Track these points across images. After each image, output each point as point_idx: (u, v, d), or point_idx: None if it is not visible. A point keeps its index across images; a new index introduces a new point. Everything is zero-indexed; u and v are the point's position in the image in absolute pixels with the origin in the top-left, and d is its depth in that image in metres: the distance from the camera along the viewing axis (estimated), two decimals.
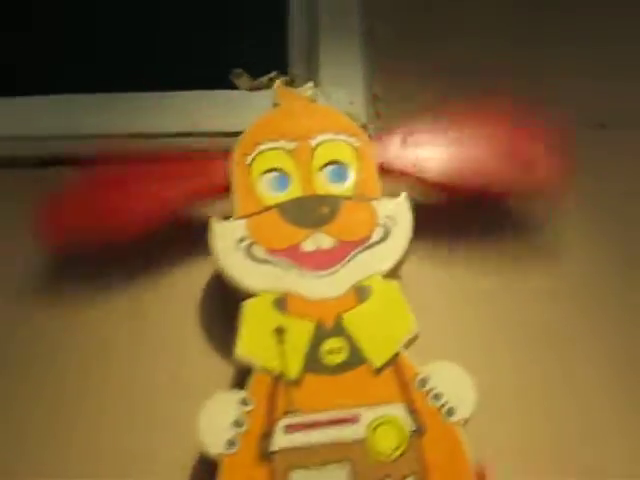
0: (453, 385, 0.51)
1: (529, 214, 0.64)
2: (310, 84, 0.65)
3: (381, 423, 0.50)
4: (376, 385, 0.51)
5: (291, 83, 0.70)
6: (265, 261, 0.56)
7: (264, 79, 0.72)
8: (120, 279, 0.63)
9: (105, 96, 0.74)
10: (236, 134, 0.63)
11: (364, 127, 0.71)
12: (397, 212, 0.58)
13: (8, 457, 0.56)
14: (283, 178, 0.60)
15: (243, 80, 0.72)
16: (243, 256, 0.56)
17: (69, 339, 0.61)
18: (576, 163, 0.60)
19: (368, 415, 0.51)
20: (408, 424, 0.50)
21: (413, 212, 0.57)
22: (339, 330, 0.53)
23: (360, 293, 0.55)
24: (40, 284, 0.63)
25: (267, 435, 0.50)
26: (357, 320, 0.54)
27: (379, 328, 0.53)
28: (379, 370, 0.52)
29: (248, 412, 0.51)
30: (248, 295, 0.55)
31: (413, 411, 0.51)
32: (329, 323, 0.54)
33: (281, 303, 0.55)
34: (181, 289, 0.62)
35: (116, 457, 0.55)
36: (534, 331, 0.60)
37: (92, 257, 0.61)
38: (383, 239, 0.57)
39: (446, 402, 0.51)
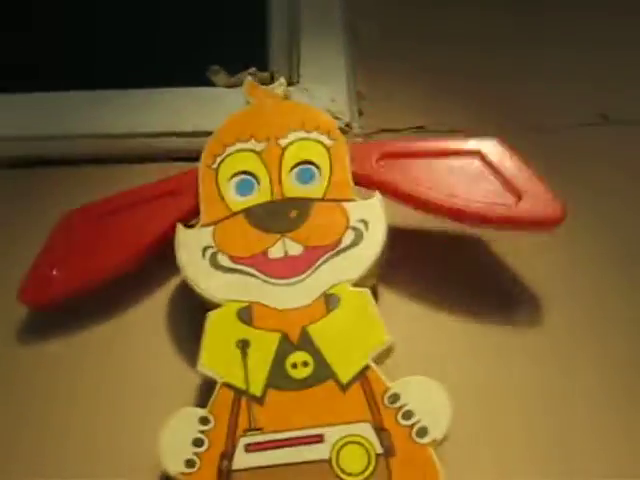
0: (426, 402, 0.47)
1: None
2: (282, 80, 0.62)
3: (347, 443, 0.47)
4: (343, 402, 0.48)
5: (269, 80, 0.67)
6: (230, 270, 0.53)
7: (242, 75, 0.69)
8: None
9: (81, 94, 0.72)
10: (209, 134, 0.60)
11: (347, 125, 0.68)
12: (370, 214, 0.54)
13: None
14: (251, 181, 0.57)
15: (220, 77, 0.70)
16: (208, 265, 0.54)
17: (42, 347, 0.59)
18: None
19: (333, 434, 0.47)
20: (376, 445, 0.47)
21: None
22: (305, 342, 0.50)
23: (329, 302, 0.51)
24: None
25: (227, 454, 0.48)
26: (324, 332, 0.50)
27: (347, 340, 0.50)
28: (346, 386, 0.48)
29: (208, 430, 0.48)
30: (214, 306, 0.53)
31: (381, 430, 0.47)
32: (295, 335, 0.50)
33: (246, 314, 0.52)
34: (151, 298, 0.60)
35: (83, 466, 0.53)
36: (520, 340, 0.56)
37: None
38: (354, 244, 0.53)
39: (417, 421, 0.46)
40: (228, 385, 0.49)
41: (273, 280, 0.52)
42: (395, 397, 0.48)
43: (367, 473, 0.46)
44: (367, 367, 0.48)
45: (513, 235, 0.58)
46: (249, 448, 0.48)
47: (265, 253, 0.54)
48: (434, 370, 0.50)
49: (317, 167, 0.57)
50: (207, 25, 0.78)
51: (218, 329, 0.52)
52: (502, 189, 0.55)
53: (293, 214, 0.55)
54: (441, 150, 0.57)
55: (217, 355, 0.51)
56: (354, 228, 0.53)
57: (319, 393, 0.48)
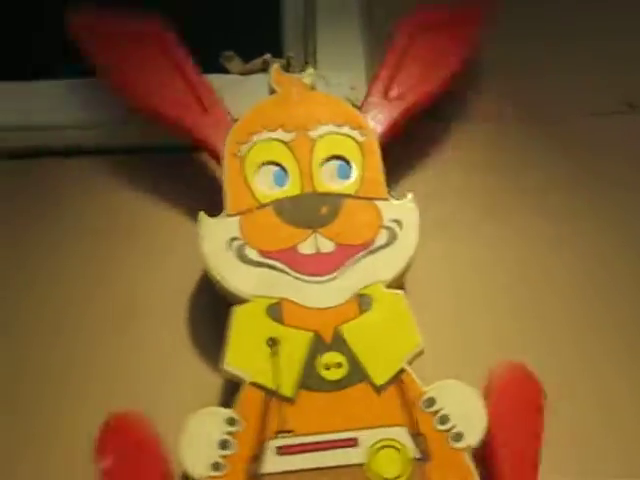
0: (462, 407, 0.47)
1: None
2: (310, 69, 0.60)
3: (382, 447, 0.46)
4: (377, 405, 0.47)
5: (286, 66, 0.65)
6: (259, 264, 0.51)
7: (257, 62, 0.66)
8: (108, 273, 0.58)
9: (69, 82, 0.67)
10: None
11: None
12: (404, 214, 0.53)
13: None
14: (281, 173, 0.55)
15: (234, 63, 0.66)
16: (234, 257, 0.51)
17: (55, 337, 0.55)
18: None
19: (368, 438, 0.46)
20: (411, 449, 0.46)
21: None
22: (338, 343, 0.49)
23: (361, 303, 0.50)
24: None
25: (257, 458, 0.46)
26: (358, 332, 0.49)
27: (381, 342, 0.49)
28: (381, 388, 0.47)
29: (236, 432, 0.46)
30: (239, 300, 0.50)
31: (417, 435, 0.46)
32: (327, 335, 0.49)
33: (275, 310, 0.50)
34: (169, 289, 0.57)
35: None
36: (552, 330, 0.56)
37: None
38: (388, 244, 0.52)
39: (453, 426, 0.46)
40: (256, 385, 0.47)
41: (304, 277, 0.51)
42: (431, 401, 0.47)
43: (403, 478, 0.45)
44: (402, 370, 0.48)
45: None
46: (280, 451, 0.46)
47: (295, 248, 0.52)
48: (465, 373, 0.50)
49: (348, 163, 0.55)
50: (219, 9, 0.74)
51: (245, 325, 0.49)
52: None
53: (324, 210, 0.53)
54: None
55: (244, 353, 0.48)
56: (387, 228, 0.52)
57: (353, 395, 0.47)
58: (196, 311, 0.56)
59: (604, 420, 0.53)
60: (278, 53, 0.69)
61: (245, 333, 0.49)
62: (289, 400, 0.47)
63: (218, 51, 0.67)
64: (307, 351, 0.48)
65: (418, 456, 0.46)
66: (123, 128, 0.64)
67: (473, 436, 0.46)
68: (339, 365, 0.48)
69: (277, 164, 0.55)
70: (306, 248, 0.52)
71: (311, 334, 0.49)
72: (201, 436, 0.46)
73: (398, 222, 0.53)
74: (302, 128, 0.56)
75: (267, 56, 0.67)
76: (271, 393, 0.47)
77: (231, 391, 0.49)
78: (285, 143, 0.55)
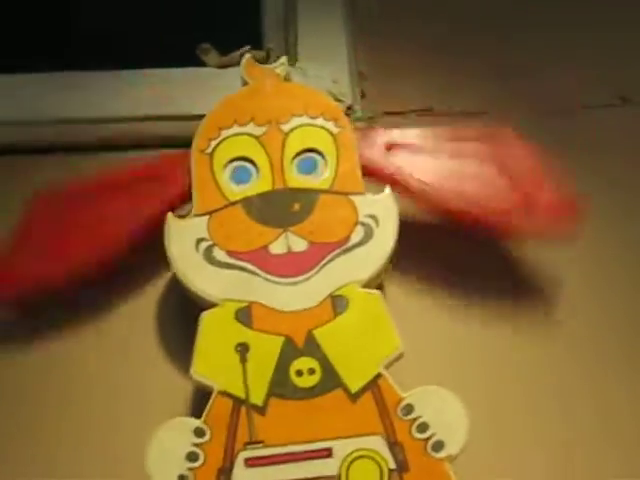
0: (442, 415, 0.44)
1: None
2: (283, 59, 0.57)
3: (357, 458, 0.43)
4: (352, 413, 0.44)
5: (266, 58, 0.62)
6: (227, 265, 0.49)
7: (235, 54, 0.64)
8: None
9: (61, 75, 0.65)
10: (202, 117, 0.54)
11: (349, 109, 0.63)
12: (381, 210, 0.50)
13: None
14: (250, 168, 0.52)
15: (211, 56, 0.64)
16: (202, 259, 0.49)
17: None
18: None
19: (343, 448, 0.43)
20: (388, 459, 0.43)
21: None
22: (311, 348, 0.46)
23: (336, 305, 0.47)
24: None
25: (225, 470, 0.43)
26: (332, 336, 0.46)
27: (357, 346, 0.46)
28: (356, 395, 0.44)
29: (204, 443, 0.44)
30: (208, 304, 0.48)
31: (394, 444, 0.43)
32: (300, 339, 0.46)
33: (245, 315, 0.47)
34: (140, 296, 0.54)
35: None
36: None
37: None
38: (364, 241, 0.49)
39: (433, 434, 0.43)
40: (225, 393, 0.45)
41: (275, 278, 0.48)
42: (409, 408, 0.44)
43: None
44: (379, 375, 0.45)
45: None
46: (249, 463, 0.43)
47: (266, 248, 0.49)
48: (445, 376, 0.47)
49: (322, 156, 0.52)
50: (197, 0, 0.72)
51: (213, 331, 0.47)
52: (515, 200, 0.52)
53: (296, 206, 0.50)
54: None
55: (213, 360, 0.46)
56: (363, 224, 0.50)
57: (327, 403, 0.45)
58: (167, 314, 0.54)
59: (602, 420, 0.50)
60: (258, 45, 0.67)
61: (213, 339, 0.47)
62: (259, 409, 0.44)
63: (196, 43, 0.65)
64: (278, 357, 0.46)
65: (395, 467, 0.43)
66: None
67: (454, 445, 0.43)
68: (312, 371, 0.45)
69: (247, 159, 0.52)
70: (277, 248, 0.49)
71: (282, 339, 0.46)
72: (168, 448, 0.44)
73: (374, 218, 0.50)
74: (274, 121, 0.53)
75: (245, 48, 0.64)
76: (240, 402, 0.45)
77: (203, 398, 0.47)
78: (256, 137, 0.53)
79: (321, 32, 0.67)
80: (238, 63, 0.64)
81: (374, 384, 0.45)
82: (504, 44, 0.69)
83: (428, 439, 0.43)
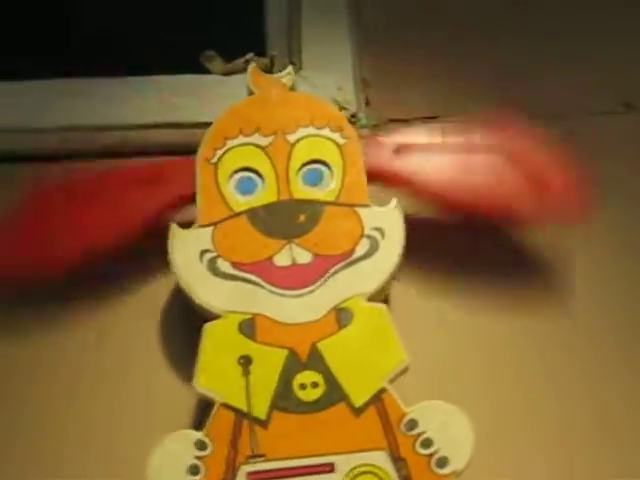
0: (446, 430, 0.44)
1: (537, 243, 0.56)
2: (289, 68, 0.57)
3: (360, 474, 0.43)
4: (356, 427, 0.44)
5: (269, 66, 0.62)
6: (231, 277, 0.48)
7: (239, 62, 0.64)
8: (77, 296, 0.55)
9: (66, 82, 0.64)
10: (207, 125, 0.54)
11: (354, 116, 0.63)
12: (387, 223, 0.50)
13: None
14: (255, 179, 0.52)
15: (216, 64, 0.64)
16: (206, 271, 0.49)
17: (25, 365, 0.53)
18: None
19: (345, 463, 0.43)
20: (392, 475, 0.43)
21: (405, 228, 0.49)
22: (315, 361, 0.46)
23: (340, 318, 0.47)
24: None
25: None
26: (336, 349, 0.46)
27: (361, 359, 0.46)
28: (360, 410, 0.44)
29: (205, 456, 0.44)
30: (211, 316, 0.48)
31: (398, 460, 0.43)
32: (303, 352, 0.46)
33: (248, 327, 0.47)
34: (143, 306, 0.54)
35: None
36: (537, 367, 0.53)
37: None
38: (369, 254, 0.49)
39: (437, 450, 0.43)
40: (228, 406, 0.45)
41: (279, 290, 0.48)
42: (413, 423, 0.44)
43: None
44: (383, 390, 0.45)
45: None
46: (251, 477, 0.43)
47: (270, 260, 0.49)
48: (450, 390, 0.47)
49: (329, 167, 0.52)
50: (200, 6, 0.71)
51: (217, 343, 0.47)
52: (526, 186, 0.52)
53: (301, 218, 0.50)
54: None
55: (215, 372, 0.46)
56: (369, 237, 0.49)
57: (330, 417, 0.44)
58: (171, 325, 0.53)
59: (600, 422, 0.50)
60: (262, 52, 0.66)
61: (216, 351, 0.46)
62: (262, 422, 0.44)
63: (199, 48, 0.65)
64: (281, 370, 0.45)
65: None
66: None
67: (459, 461, 0.43)
68: (315, 385, 0.45)
69: (253, 170, 0.52)
70: (281, 260, 0.49)
71: (286, 352, 0.46)
72: (170, 461, 0.44)
73: (380, 230, 0.50)
74: (280, 131, 0.53)
75: (250, 56, 0.64)
76: (242, 415, 0.44)
77: (207, 408, 0.46)
78: (262, 148, 0.52)
79: (325, 39, 0.66)
80: (242, 70, 0.64)
81: (378, 399, 0.45)
82: (508, 51, 0.69)
83: (432, 455, 0.43)
